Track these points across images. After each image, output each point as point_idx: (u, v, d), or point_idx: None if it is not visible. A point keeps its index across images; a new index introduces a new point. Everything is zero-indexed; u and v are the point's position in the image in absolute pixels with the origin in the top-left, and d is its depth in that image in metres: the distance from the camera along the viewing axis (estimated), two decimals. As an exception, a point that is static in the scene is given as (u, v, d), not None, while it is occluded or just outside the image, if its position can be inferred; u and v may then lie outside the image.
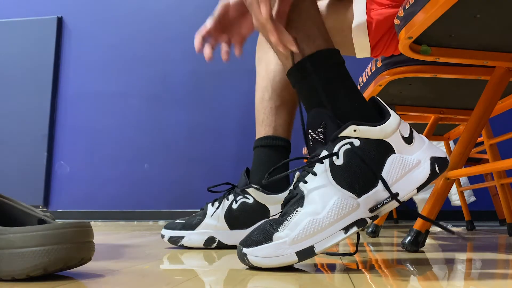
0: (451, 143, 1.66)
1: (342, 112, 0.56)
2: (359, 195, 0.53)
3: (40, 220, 0.52)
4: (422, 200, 1.96)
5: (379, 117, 0.57)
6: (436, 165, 0.55)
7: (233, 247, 0.82)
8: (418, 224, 0.78)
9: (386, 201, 0.54)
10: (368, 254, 0.73)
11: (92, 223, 2.29)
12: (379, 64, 0.97)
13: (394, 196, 0.53)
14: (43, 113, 3.07)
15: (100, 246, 0.87)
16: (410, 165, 0.54)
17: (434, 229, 1.56)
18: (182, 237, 0.83)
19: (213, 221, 0.83)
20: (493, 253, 0.77)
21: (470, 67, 0.90)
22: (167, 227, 0.86)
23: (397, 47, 0.90)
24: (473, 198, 1.99)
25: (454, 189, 1.88)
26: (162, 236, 0.85)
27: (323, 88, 0.58)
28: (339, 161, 0.54)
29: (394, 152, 0.55)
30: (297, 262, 0.52)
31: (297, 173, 0.76)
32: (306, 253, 0.52)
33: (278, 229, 0.53)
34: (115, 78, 3.10)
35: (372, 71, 1.01)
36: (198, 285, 0.43)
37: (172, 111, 3.01)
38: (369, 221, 0.54)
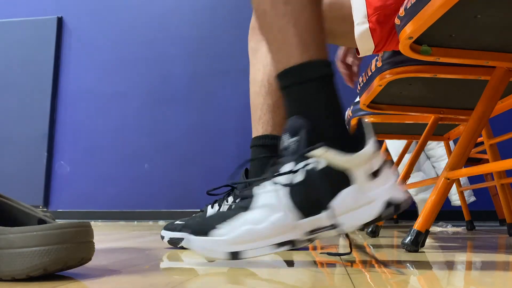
0: (451, 143, 1.66)
1: (320, 129, 0.56)
2: (303, 216, 0.54)
3: (40, 220, 0.52)
4: (422, 200, 1.96)
5: (357, 143, 0.56)
6: (387, 209, 0.55)
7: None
8: (418, 224, 0.77)
9: (326, 229, 0.55)
10: (368, 254, 0.73)
11: (92, 223, 2.29)
12: (379, 64, 0.96)
13: (334, 227, 0.54)
14: (43, 113, 3.08)
15: (100, 246, 0.87)
16: (362, 201, 0.54)
17: (434, 229, 1.56)
18: (182, 239, 0.83)
19: None
20: (493, 253, 0.77)
21: (470, 67, 0.90)
22: (167, 228, 0.86)
23: (397, 44, 0.90)
24: (473, 198, 1.99)
25: (454, 189, 1.88)
26: (162, 238, 0.85)
27: (307, 100, 0.57)
28: (298, 178, 0.55)
29: (353, 184, 0.54)
30: (228, 260, 0.56)
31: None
32: (237, 255, 0.55)
33: (218, 226, 0.56)
34: (115, 78, 3.10)
35: (372, 71, 1.01)
36: (198, 285, 0.43)
37: (172, 111, 3.01)
38: (304, 243, 0.55)
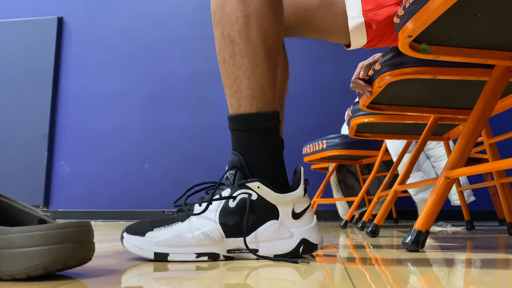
0: (450, 143, 1.66)
1: (256, 168, 0.65)
2: (227, 236, 0.63)
3: (41, 220, 0.52)
4: (422, 200, 1.96)
5: (290, 187, 0.67)
6: (301, 247, 0.64)
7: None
8: (419, 223, 0.78)
9: (245, 251, 0.64)
10: (368, 254, 0.73)
11: (93, 223, 2.29)
12: (378, 67, 0.97)
13: (252, 251, 0.63)
14: (43, 113, 3.08)
15: (100, 246, 0.87)
16: (282, 235, 0.64)
17: (434, 229, 1.57)
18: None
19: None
20: (492, 253, 0.77)
21: (469, 68, 0.90)
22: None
23: (393, 41, 0.90)
24: (472, 198, 1.99)
25: (453, 189, 1.88)
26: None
27: (249, 145, 0.66)
28: (232, 204, 0.64)
29: (277, 219, 0.64)
30: (153, 260, 0.63)
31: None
32: (160, 256, 0.62)
33: (154, 229, 0.63)
34: (115, 78, 3.10)
35: (372, 73, 1.01)
36: (198, 285, 0.44)
37: (172, 111, 3.01)
38: (221, 257, 0.63)
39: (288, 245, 0.64)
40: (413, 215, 2.42)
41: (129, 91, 3.07)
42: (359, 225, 1.64)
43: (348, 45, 0.93)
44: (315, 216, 0.68)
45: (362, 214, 2.32)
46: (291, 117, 2.88)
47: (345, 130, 2.36)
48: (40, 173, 2.99)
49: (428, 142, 1.97)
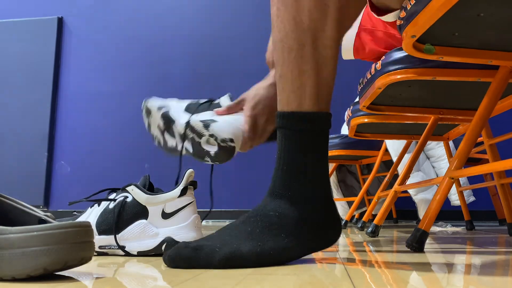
0: (450, 143, 1.66)
1: (316, 170, 0.60)
2: (99, 234, 0.71)
3: (41, 220, 0.52)
4: (422, 200, 1.97)
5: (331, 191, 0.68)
6: (164, 245, 0.69)
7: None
8: (423, 224, 0.77)
9: (114, 247, 0.71)
10: (368, 254, 0.73)
11: (92, 223, 2.29)
12: (379, 67, 0.97)
13: (121, 247, 0.70)
14: (43, 113, 3.08)
15: (100, 246, 0.87)
16: (147, 233, 0.70)
17: (434, 229, 1.57)
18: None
19: None
20: (492, 253, 0.77)
21: (469, 70, 0.90)
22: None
23: (372, 57, 0.94)
24: (472, 198, 1.99)
25: (453, 189, 1.88)
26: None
27: (308, 144, 0.60)
28: (111, 205, 0.73)
29: (146, 218, 0.71)
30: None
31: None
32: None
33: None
34: (115, 78, 3.10)
35: (372, 74, 1.01)
36: (198, 285, 0.44)
37: (172, 111, 3.00)
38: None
39: (151, 243, 0.70)
40: (413, 215, 2.42)
41: (129, 91, 3.07)
42: (359, 225, 1.64)
43: None
44: (194, 216, 0.72)
45: (362, 214, 2.32)
46: (291, 117, 2.87)
47: (345, 130, 2.36)
48: (40, 173, 2.99)
49: (428, 142, 1.97)
